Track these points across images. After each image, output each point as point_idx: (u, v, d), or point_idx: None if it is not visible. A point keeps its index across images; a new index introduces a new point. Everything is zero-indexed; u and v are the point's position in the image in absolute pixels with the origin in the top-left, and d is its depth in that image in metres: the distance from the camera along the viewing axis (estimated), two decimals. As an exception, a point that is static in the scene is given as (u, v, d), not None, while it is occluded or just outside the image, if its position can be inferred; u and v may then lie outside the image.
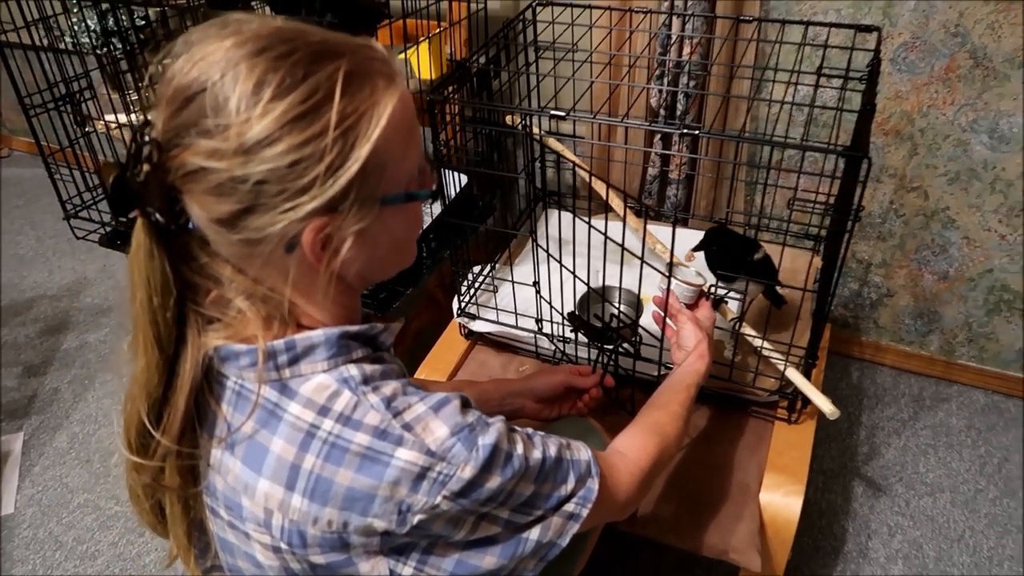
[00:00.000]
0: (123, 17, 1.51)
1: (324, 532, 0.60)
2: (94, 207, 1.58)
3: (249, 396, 0.63)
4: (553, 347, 1.34)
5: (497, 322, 1.37)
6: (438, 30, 1.33)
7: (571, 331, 1.26)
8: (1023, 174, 1.50)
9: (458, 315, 1.41)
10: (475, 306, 1.41)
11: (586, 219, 1.13)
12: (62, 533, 1.53)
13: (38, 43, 1.46)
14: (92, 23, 1.67)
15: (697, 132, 0.99)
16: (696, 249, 1.24)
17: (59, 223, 2.50)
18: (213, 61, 0.55)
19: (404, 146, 0.61)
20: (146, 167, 0.56)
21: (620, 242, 1.04)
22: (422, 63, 1.35)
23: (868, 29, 1.22)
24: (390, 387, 0.63)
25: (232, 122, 0.54)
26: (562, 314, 1.27)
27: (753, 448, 1.23)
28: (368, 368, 0.64)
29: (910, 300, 1.78)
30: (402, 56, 1.38)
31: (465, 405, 0.65)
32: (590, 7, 1.39)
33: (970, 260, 1.66)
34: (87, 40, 1.61)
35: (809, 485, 1.58)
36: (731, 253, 1.19)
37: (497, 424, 0.64)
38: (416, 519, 0.60)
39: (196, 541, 0.71)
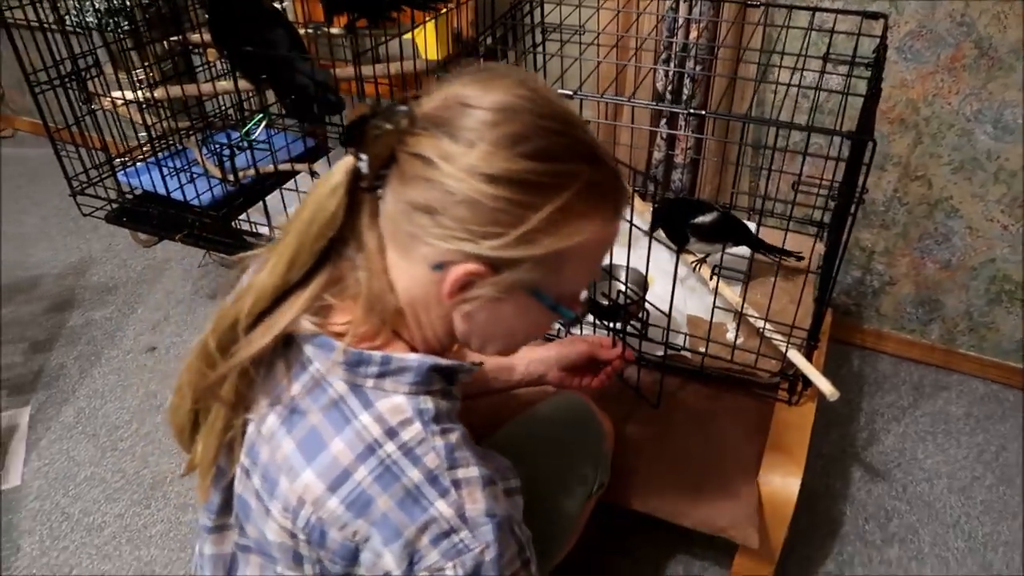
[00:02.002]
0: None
1: (346, 539, 0.61)
2: (100, 184, 1.59)
3: (327, 389, 0.64)
4: (557, 328, 1.35)
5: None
6: (444, 10, 1.34)
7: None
8: (1027, 163, 1.51)
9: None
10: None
11: None
12: (68, 505, 1.55)
13: (43, 21, 1.47)
14: (97, 2, 1.68)
15: (704, 113, 1.00)
16: (652, 229, 1.27)
17: (63, 202, 2.51)
18: (502, 94, 0.60)
19: (583, 268, 0.66)
20: (388, 126, 0.60)
21: (629, 220, 1.05)
22: (429, 43, 1.36)
23: (875, 16, 1.22)
24: (455, 435, 0.64)
25: (480, 144, 0.58)
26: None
27: (754, 429, 1.25)
28: (442, 404, 0.66)
29: (912, 288, 1.79)
30: (408, 36, 1.38)
31: (510, 492, 0.66)
32: (597, -11, 1.40)
33: (972, 249, 1.66)
34: (92, 19, 1.62)
35: (808, 469, 1.59)
36: (681, 221, 1.23)
37: (518, 532, 0.65)
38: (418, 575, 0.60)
39: (220, 461, 0.72)
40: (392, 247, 0.65)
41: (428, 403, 0.64)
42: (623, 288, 1.22)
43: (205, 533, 0.76)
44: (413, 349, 0.68)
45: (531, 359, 1.09)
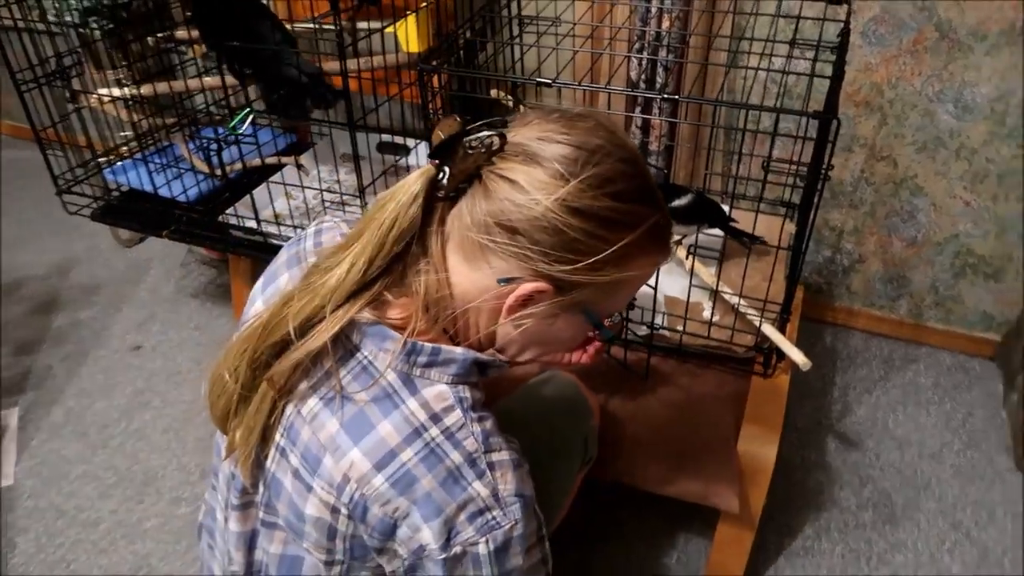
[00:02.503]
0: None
1: (385, 515, 0.66)
2: (86, 182, 1.60)
3: (373, 373, 0.68)
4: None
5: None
6: (424, 4, 1.37)
7: None
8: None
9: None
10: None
11: None
12: (63, 502, 1.57)
13: (27, 20, 1.48)
14: (74, 1, 1.68)
15: (677, 97, 1.04)
16: None
17: (45, 204, 2.50)
18: (587, 135, 0.66)
19: (629, 295, 0.76)
20: (481, 148, 0.65)
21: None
22: (410, 36, 1.39)
23: (838, 2, 1.27)
24: (489, 423, 0.69)
25: (573, 180, 0.64)
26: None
27: (732, 401, 1.30)
28: (475, 394, 0.71)
29: (880, 266, 1.85)
30: (391, 30, 1.41)
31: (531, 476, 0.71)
32: (572, -19, 1.44)
33: (937, 226, 1.73)
34: (71, 18, 1.62)
35: (784, 441, 1.66)
36: None
37: (538, 512, 0.70)
38: (454, 550, 0.65)
39: (258, 446, 0.74)
40: (456, 252, 0.70)
41: (467, 392, 0.69)
42: None
43: (231, 510, 0.79)
44: (457, 345, 0.73)
45: None
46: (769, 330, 1.25)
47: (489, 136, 0.65)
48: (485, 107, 1.42)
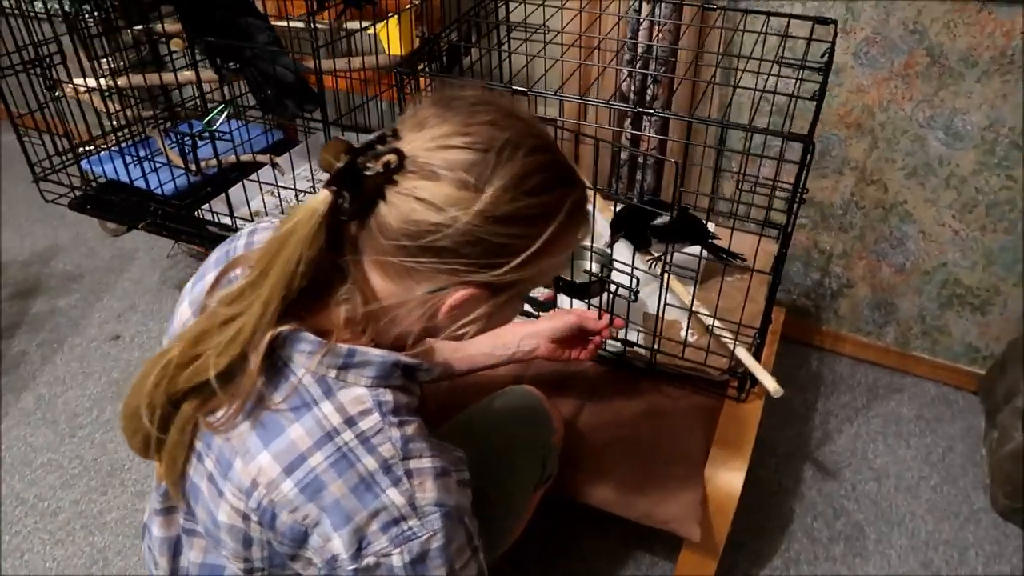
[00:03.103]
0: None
1: (295, 523, 0.63)
2: (64, 171, 1.59)
3: (290, 378, 0.65)
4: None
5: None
6: (408, 6, 1.35)
7: (555, 292, 1.29)
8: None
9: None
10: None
11: None
12: (23, 490, 1.55)
13: (10, 6, 1.46)
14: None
15: (651, 112, 1.02)
16: (613, 240, 1.31)
17: (30, 189, 2.50)
18: (492, 130, 0.63)
19: (561, 264, 0.73)
20: (379, 167, 0.61)
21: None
22: (391, 38, 1.37)
23: (825, 21, 1.25)
24: (412, 427, 0.66)
25: (488, 189, 0.61)
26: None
27: (701, 425, 1.27)
28: (400, 397, 0.68)
29: (868, 291, 1.82)
30: (372, 31, 1.39)
31: (462, 484, 0.68)
32: (561, -11, 1.41)
33: (925, 254, 1.70)
34: (58, 5, 1.61)
35: (762, 466, 1.63)
36: (642, 224, 1.27)
37: (468, 523, 0.67)
38: (365, 561, 0.62)
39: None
40: (375, 271, 0.67)
41: (387, 395, 0.67)
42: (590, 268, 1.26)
43: (154, 515, 0.78)
44: (378, 346, 0.70)
45: (524, 333, 1.12)
46: (743, 354, 1.23)
47: (384, 153, 0.62)
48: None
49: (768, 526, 1.50)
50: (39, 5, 1.63)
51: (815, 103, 1.09)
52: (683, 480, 1.19)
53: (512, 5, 1.45)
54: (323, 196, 0.63)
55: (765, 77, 1.25)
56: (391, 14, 1.34)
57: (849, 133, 1.64)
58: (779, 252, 1.14)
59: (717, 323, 1.25)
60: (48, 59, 1.53)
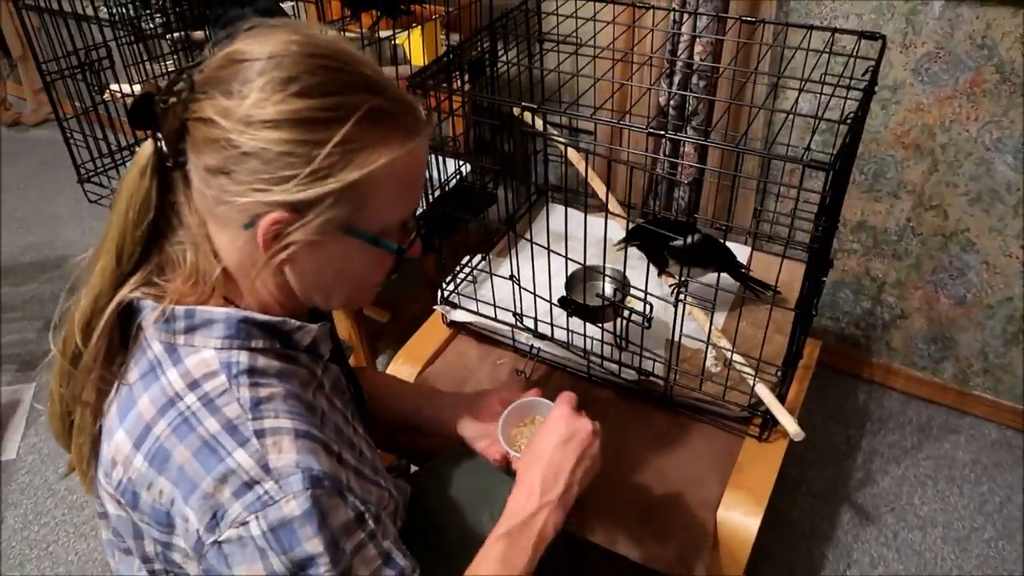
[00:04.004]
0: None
1: (155, 501, 0.61)
2: (105, 173, 1.64)
3: (146, 352, 0.65)
4: (529, 344, 1.32)
5: (477, 313, 1.36)
6: (434, 16, 1.33)
7: (567, 315, 1.23)
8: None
9: (440, 303, 1.41)
10: (457, 295, 1.40)
11: (582, 212, 1.11)
12: (56, 482, 1.60)
13: (72, 10, 1.51)
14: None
15: (669, 135, 0.96)
16: (625, 242, 1.24)
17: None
18: (271, 43, 0.60)
19: (395, 196, 0.65)
20: (172, 99, 0.61)
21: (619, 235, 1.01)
22: (414, 48, 1.35)
23: (872, 36, 1.16)
24: (271, 390, 0.63)
25: (251, 93, 0.59)
26: (550, 302, 1.25)
27: (718, 463, 1.20)
28: (263, 361, 0.64)
29: (924, 323, 1.69)
30: (402, 40, 1.38)
31: (338, 461, 0.64)
32: (594, 0, 1.36)
33: (989, 286, 1.57)
34: (113, 10, 1.66)
35: (794, 506, 1.54)
36: (661, 242, 1.20)
37: (352, 500, 0.61)
38: (224, 534, 0.58)
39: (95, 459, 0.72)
40: (209, 218, 0.65)
41: (241, 356, 0.64)
42: (605, 288, 1.20)
43: (98, 518, 0.77)
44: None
45: (442, 404, 1.03)
46: (763, 392, 1.15)
47: (176, 84, 0.61)
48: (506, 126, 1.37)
49: (795, 570, 1.41)
50: (101, 10, 1.68)
51: (849, 123, 1.00)
52: (693, 521, 1.12)
53: (544, 17, 1.41)
54: (146, 144, 0.63)
55: (817, 96, 1.17)
56: (415, 24, 1.32)
57: (906, 154, 1.52)
58: (806, 285, 1.06)
59: (738, 357, 1.17)
60: (97, 63, 1.57)
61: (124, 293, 0.64)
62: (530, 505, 0.76)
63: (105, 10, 1.63)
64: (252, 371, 0.63)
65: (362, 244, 0.65)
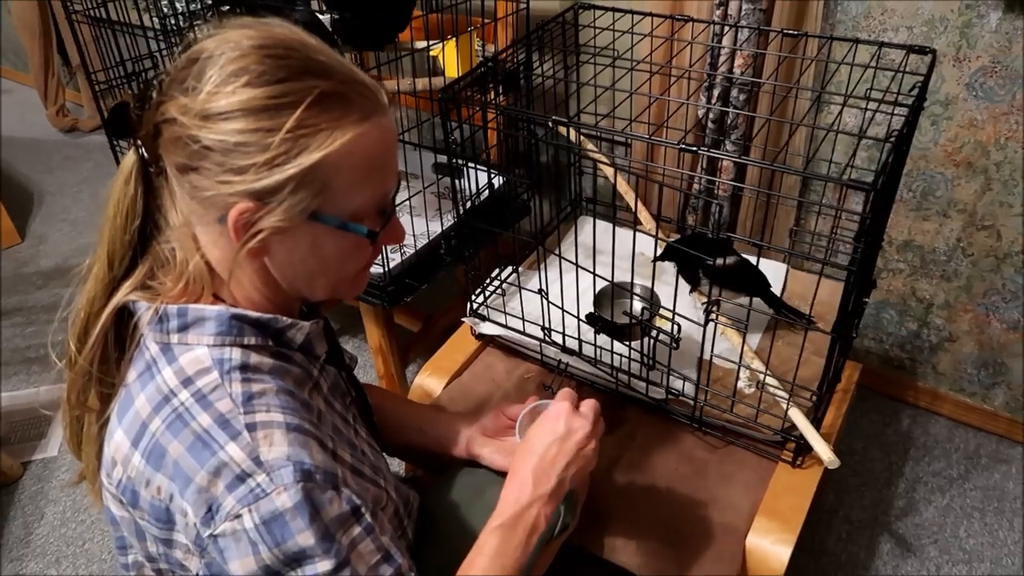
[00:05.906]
0: None
1: (154, 498, 0.62)
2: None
3: (144, 353, 0.66)
4: (557, 359, 1.31)
5: (505, 326, 1.35)
6: (469, 28, 1.32)
7: (594, 332, 1.21)
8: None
9: (468, 315, 1.40)
10: (486, 308, 1.39)
11: (612, 225, 1.10)
12: (94, 480, 1.64)
13: (132, 22, 1.56)
14: (180, 5, 1.77)
15: (702, 150, 0.93)
16: (659, 258, 1.21)
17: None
18: (224, 40, 0.62)
19: (359, 179, 0.64)
20: (144, 103, 0.64)
21: (650, 250, 1.00)
22: (448, 60, 1.35)
23: (922, 51, 1.11)
24: (263, 386, 0.63)
25: (204, 89, 0.60)
26: (578, 317, 1.23)
27: (749, 487, 1.16)
28: (257, 358, 0.65)
29: (975, 348, 1.62)
30: (436, 52, 1.38)
31: (333, 457, 0.64)
32: (632, 12, 1.34)
33: (1045, 311, 1.50)
34: (163, 20, 1.70)
35: (831, 534, 1.48)
36: (695, 260, 1.16)
37: (347, 494, 0.61)
38: (220, 527, 0.59)
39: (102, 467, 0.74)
40: (191, 217, 0.66)
41: (234, 353, 0.64)
42: (634, 306, 1.18)
43: (109, 525, 0.79)
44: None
45: (445, 427, 1.03)
46: (796, 417, 1.11)
47: (146, 90, 0.63)
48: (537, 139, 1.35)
49: (830, 603, 1.36)
50: (153, 21, 1.73)
51: (894, 141, 0.96)
52: (720, 547, 1.09)
53: (581, 29, 1.39)
54: (130, 152, 0.65)
55: (863, 111, 1.13)
56: (449, 36, 1.32)
57: (957, 172, 1.46)
58: (844, 309, 1.02)
59: (771, 380, 1.13)
60: (144, 74, 1.62)
61: (120, 297, 0.66)
62: (523, 497, 0.77)
63: (156, 20, 1.67)
64: (244, 367, 0.64)
65: (332, 230, 0.65)
